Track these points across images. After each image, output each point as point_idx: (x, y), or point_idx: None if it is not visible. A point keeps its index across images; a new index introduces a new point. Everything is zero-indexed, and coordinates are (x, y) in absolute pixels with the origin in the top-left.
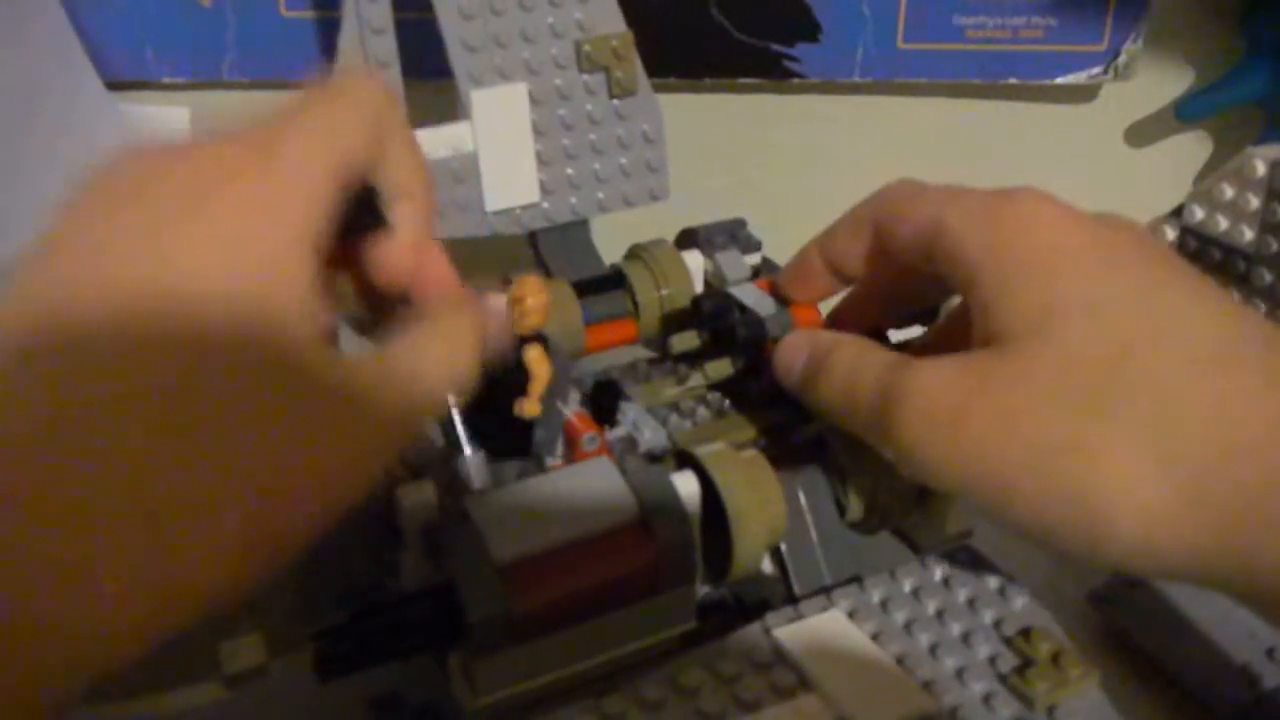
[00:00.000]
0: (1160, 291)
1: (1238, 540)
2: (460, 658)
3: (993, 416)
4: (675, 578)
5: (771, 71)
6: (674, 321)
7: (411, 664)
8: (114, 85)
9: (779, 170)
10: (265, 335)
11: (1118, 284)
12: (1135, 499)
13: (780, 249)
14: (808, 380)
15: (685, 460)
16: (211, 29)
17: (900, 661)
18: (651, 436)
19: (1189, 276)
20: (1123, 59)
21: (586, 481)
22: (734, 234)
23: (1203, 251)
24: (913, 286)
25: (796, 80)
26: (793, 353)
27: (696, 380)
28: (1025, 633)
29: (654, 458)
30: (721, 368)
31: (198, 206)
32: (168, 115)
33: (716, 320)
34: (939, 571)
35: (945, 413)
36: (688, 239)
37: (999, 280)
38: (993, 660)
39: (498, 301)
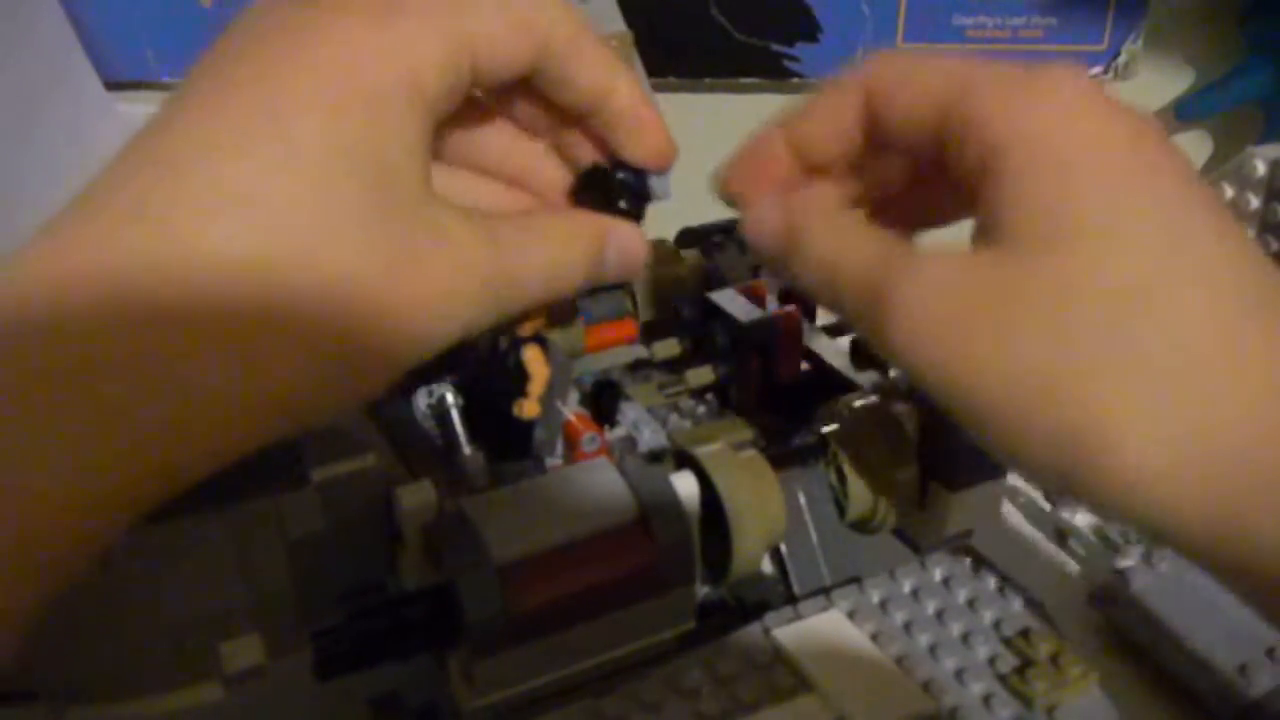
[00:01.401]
0: (1188, 223)
1: (1238, 504)
2: (459, 658)
3: (992, 333)
4: (674, 578)
5: (771, 71)
6: (655, 328)
7: (412, 664)
8: (114, 85)
9: None
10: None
11: (1147, 205)
12: (1131, 444)
13: None
14: (782, 257)
15: (684, 460)
16: (211, 29)
17: (900, 662)
18: (651, 436)
19: (1217, 210)
20: (1123, 59)
21: (586, 482)
22: (733, 233)
23: None
24: (903, 182)
25: (796, 80)
26: (760, 220)
27: (680, 388)
28: (1025, 633)
29: (654, 458)
30: (703, 375)
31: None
32: None
33: (696, 327)
34: (938, 572)
35: (940, 321)
36: (688, 238)
37: (1020, 171)
38: (992, 661)
39: (630, 235)
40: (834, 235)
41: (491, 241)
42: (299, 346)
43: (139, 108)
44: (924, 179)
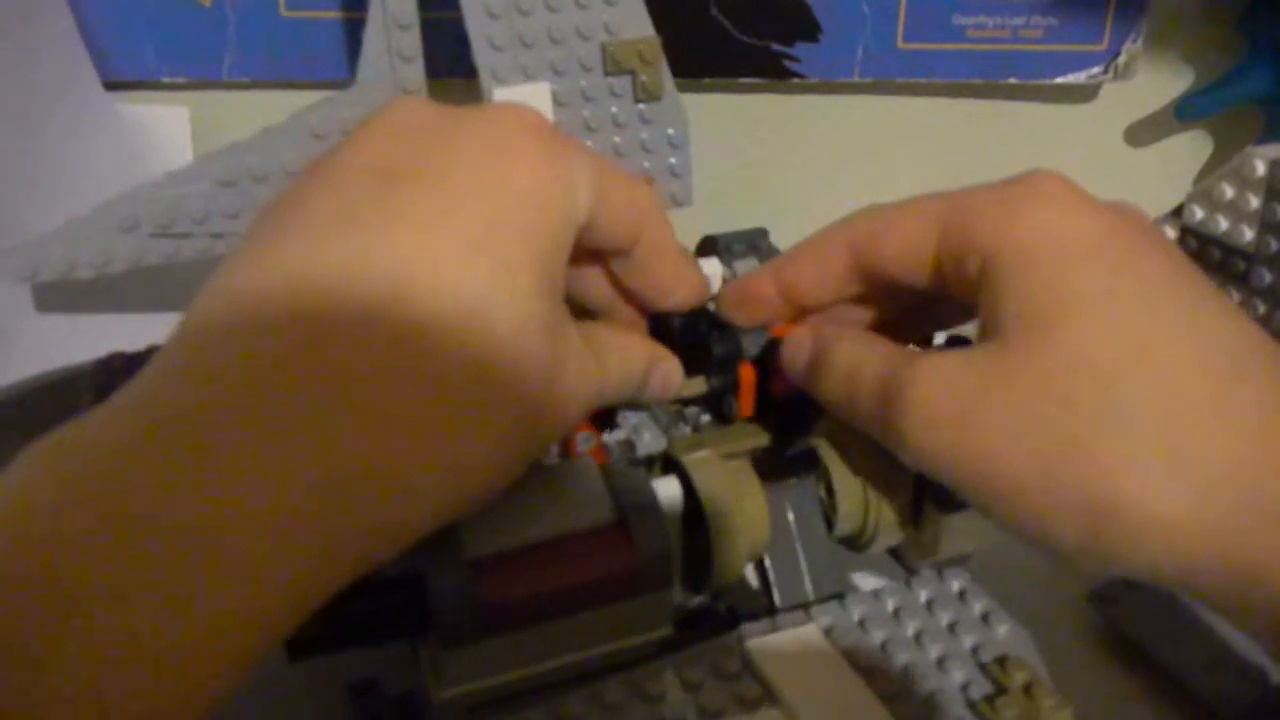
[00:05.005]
0: (1172, 294)
1: (1242, 555)
2: (430, 648)
3: (998, 415)
4: (651, 582)
5: (771, 71)
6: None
7: (391, 651)
8: (114, 85)
9: (778, 170)
10: (476, 331)
11: (1131, 282)
12: (1141, 506)
13: (781, 249)
14: (811, 375)
15: (670, 466)
16: (211, 29)
17: (870, 681)
18: (651, 441)
19: (1199, 281)
20: (1123, 59)
21: (566, 480)
22: (755, 244)
23: (1203, 251)
24: (898, 309)
25: (796, 80)
26: (796, 347)
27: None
28: (1001, 660)
29: (646, 462)
30: (695, 385)
31: (444, 202)
32: (168, 115)
33: (688, 336)
34: (924, 593)
35: (949, 412)
36: (708, 246)
37: (1013, 269)
38: (965, 686)
39: (673, 369)
40: (854, 346)
41: (597, 358)
42: (500, 405)
43: (139, 107)
44: (908, 307)
